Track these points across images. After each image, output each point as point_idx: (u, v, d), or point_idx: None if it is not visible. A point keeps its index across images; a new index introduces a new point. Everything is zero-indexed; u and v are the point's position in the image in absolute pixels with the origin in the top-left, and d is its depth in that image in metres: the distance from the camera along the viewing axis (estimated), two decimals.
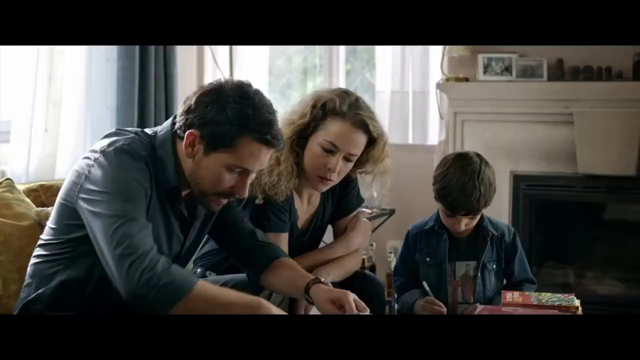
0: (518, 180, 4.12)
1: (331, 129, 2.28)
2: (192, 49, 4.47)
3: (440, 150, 4.29)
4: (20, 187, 2.62)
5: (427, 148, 4.35)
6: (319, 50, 4.84)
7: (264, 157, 1.95)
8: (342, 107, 2.27)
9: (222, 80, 1.96)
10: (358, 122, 2.28)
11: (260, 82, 4.59)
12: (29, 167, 3.08)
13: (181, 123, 1.94)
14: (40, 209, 2.45)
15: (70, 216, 1.93)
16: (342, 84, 4.81)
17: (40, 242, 2.03)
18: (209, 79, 4.59)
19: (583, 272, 4.23)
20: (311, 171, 2.33)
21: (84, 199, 1.87)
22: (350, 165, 2.34)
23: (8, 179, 2.53)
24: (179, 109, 1.98)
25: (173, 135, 1.97)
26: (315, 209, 2.51)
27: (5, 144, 3.10)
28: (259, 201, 2.29)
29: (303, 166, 2.34)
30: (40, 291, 1.96)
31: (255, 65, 4.64)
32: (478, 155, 2.56)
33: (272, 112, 1.94)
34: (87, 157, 1.94)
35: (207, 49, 4.41)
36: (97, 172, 1.87)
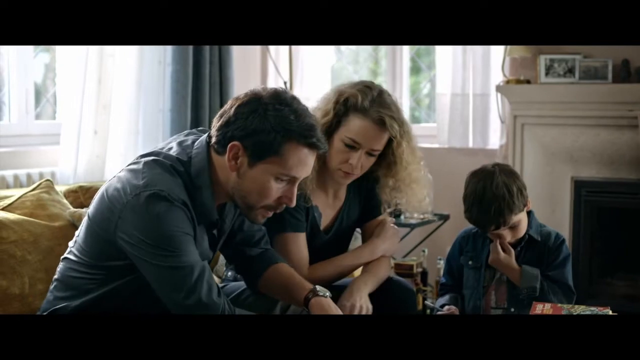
0: (579, 186, 3.96)
1: (352, 126, 2.25)
2: (256, 53, 4.50)
3: (501, 155, 4.18)
4: (62, 188, 2.68)
5: (488, 152, 4.24)
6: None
7: (311, 162, 1.93)
8: (363, 103, 2.25)
9: (257, 89, 1.92)
10: (378, 120, 2.24)
11: (322, 85, 4.59)
12: (77, 168, 3.15)
13: (220, 137, 1.89)
14: (74, 210, 2.50)
15: (106, 247, 1.90)
16: (405, 87, 4.77)
17: (72, 257, 1.99)
18: (272, 82, 4.61)
19: None
20: (334, 166, 2.31)
21: (130, 245, 1.83)
22: (373, 159, 2.31)
23: (48, 180, 2.58)
24: (215, 122, 1.92)
25: (208, 155, 1.92)
26: (342, 205, 2.46)
27: (56, 146, 3.19)
28: None
29: (326, 161, 2.32)
30: (77, 302, 1.96)
31: (317, 68, 4.64)
32: (495, 165, 2.49)
33: (312, 116, 1.93)
34: (120, 191, 1.85)
35: (268, 53, 4.43)
36: (133, 217, 1.82)
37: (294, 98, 1.91)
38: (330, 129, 2.28)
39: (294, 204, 1.95)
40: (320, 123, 2.22)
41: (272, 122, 1.84)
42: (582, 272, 3.91)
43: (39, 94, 3.42)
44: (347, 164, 2.28)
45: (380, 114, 2.24)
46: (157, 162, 1.89)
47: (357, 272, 2.49)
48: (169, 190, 1.82)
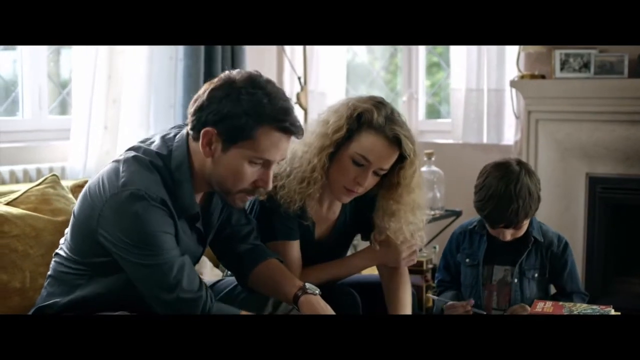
0: (594, 182, 3.91)
1: (365, 142, 2.15)
2: (270, 47, 4.49)
3: (515, 151, 4.13)
4: (69, 183, 2.70)
5: (503, 148, 4.19)
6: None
7: (284, 146, 1.93)
8: (378, 120, 2.15)
9: (232, 73, 1.92)
10: (393, 138, 2.15)
11: (338, 81, 4.58)
12: (86, 164, 3.16)
13: (195, 122, 1.90)
14: None
15: (90, 243, 1.92)
16: (421, 83, 4.74)
17: (62, 253, 2.03)
18: (287, 77, 4.60)
19: None
20: (337, 181, 2.21)
21: (110, 243, 1.86)
22: (378, 179, 2.22)
23: (54, 174, 2.60)
24: (190, 107, 1.93)
25: (188, 146, 1.94)
26: (337, 217, 2.38)
27: (66, 141, 3.21)
28: (262, 197, 2.22)
29: (329, 176, 2.22)
30: (66, 299, 1.98)
31: (333, 64, 4.62)
32: (519, 162, 2.44)
33: (287, 100, 1.93)
34: (101, 188, 1.89)
35: (284, 50, 4.42)
36: (113, 216, 1.84)
37: (269, 81, 1.92)
38: (339, 144, 2.18)
39: (269, 187, 1.96)
40: (332, 139, 2.17)
41: (244, 106, 1.85)
42: (597, 270, 3.87)
43: (64, 89, 3.45)
44: (352, 181, 2.18)
45: (395, 132, 2.14)
46: (135, 159, 1.91)
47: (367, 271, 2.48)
48: (146, 188, 1.84)
